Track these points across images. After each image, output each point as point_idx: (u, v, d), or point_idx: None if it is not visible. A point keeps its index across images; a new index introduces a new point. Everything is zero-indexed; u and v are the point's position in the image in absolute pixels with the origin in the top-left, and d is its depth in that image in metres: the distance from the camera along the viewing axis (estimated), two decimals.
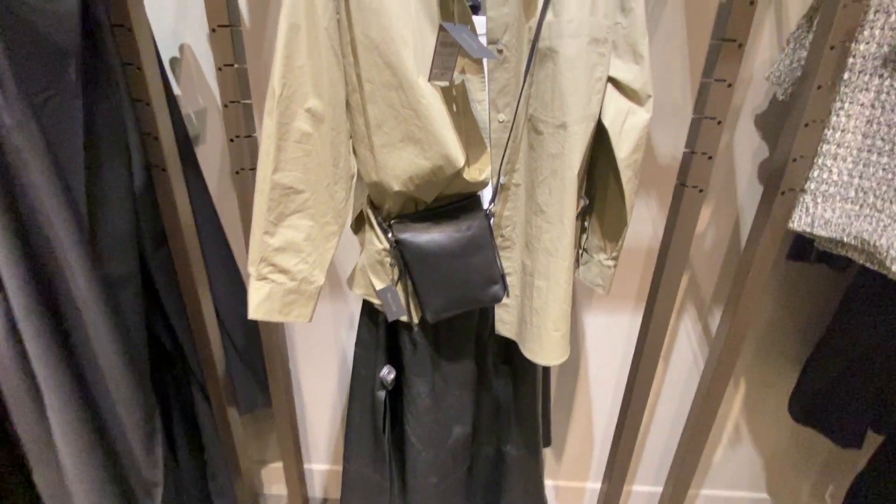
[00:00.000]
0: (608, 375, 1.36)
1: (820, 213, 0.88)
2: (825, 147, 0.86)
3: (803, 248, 1.06)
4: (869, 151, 0.84)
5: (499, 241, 0.81)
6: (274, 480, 1.54)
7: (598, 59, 0.69)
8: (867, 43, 0.80)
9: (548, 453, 1.48)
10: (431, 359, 0.87)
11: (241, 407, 1.24)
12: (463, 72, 0.66)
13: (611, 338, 1.30)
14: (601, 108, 0.73)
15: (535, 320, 0.82)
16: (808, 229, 0.89)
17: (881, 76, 0.81)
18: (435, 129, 0.66)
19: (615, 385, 1.36)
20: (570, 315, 0.82)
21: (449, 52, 0.63)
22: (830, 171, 0.87)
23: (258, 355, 1.17)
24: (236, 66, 0.87)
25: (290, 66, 0.66)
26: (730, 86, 0.84)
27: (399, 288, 0.81)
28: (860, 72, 0.82)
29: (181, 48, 1.07)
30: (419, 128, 0.66)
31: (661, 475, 1.43)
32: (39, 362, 0.71)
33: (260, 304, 0.76)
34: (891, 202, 0.82)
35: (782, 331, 1.25)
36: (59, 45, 0.71)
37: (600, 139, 0.77)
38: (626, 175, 0.76)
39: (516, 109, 0.71)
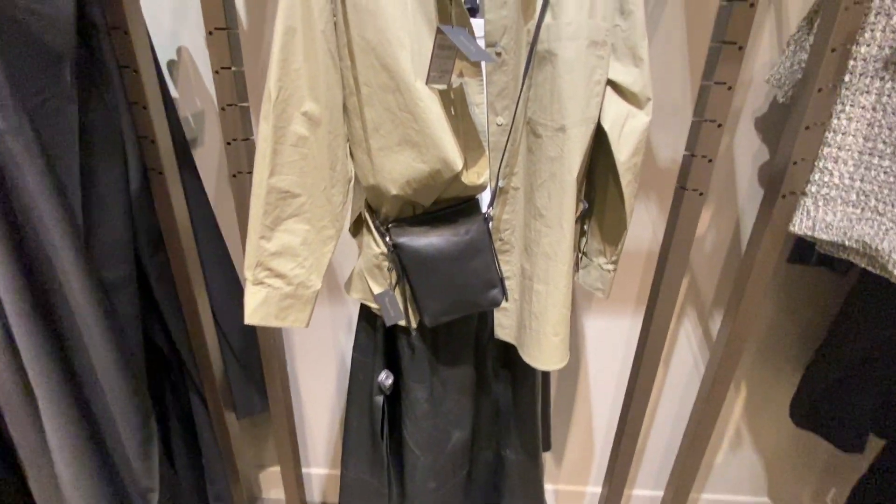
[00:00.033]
0: (608, 379, 1.35)
1: (821, 217, 0.87)
2: (826, 150, 0.86)
3: (804, 251, 1.06)
4: (870, 154, 0.83)
5: (497, 244, 0.80)
6: (272, 485, 1.53)
7: (597, 62, 0.69)
8: (868, 45, 0.80)
9: (548, 457, 1.47)
10: (430, 363, 0.87)
11: (239, 411, 1.24)
12: (461, 75, 0.66)
13: (611, 341, 1.30)
14: (600, 111, 0.73)
15: (534, 325, 0.81)
16: (810, 233, 0.89)
17: (882, 79, 0.80)
18: (432, 133, 0.65)
19: (615, 388, 1.36)
20: (569, 319, 0.81)
21: (447, 55, 0.62)
22: (831, 175, 0.86)
23: (256, 359, 1.16)
24: (233, 68, 0.86)
25: (286, 69, 0.65)
26: (730, 88, 0.84)
27: (397, 292, 0.80)
28: (861, 74, 0.82)
29: (179, 51, 1.07)
30: (416, 131, 0.66)
31: (661, 479, 1.43)
32: (33, 368, 0.71)
33: (256, 310, 0.75)
34: (893, 205, 0.81)
35: (783, 334, 1.25)
36: (53, 48, 0.70)
37: (600, 142, 0.76)
38: (625, 178, 0.76)
39: (515, 112, 0.71)
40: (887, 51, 0.79)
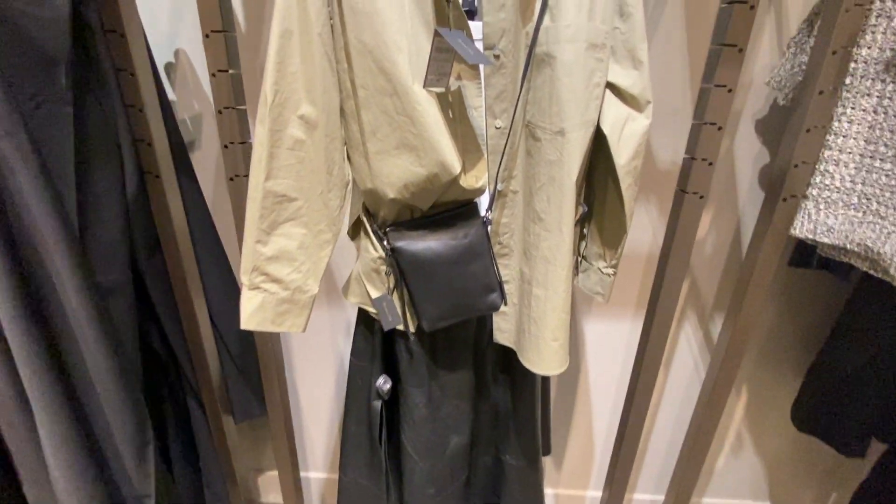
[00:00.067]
0: (608, 382, 1.34)
1: (822, 220, 0.87)
2: (827, 153, 0.85)
3: (805, 254, 1.05)
4: (872, 157, 0.82)
5: (496, 248, 0.80)
6: (271, 489, 1.52)
7: (596, 65, 0.68)
8: (869, 47, 0.79)
9: (548, 461, 1.47)
10: (428, 368, 0.86)
11: (237, 415, 1.23)
12: (459, 78, 0.65)
13: (611, 345, 1.29)
14: (600, 114, 0.72)
15: (533, 329, 0.81)
16: (811, 236, 0.88)
17: (884, 81, 0.80)
18: (430, 136, 0.65)
19: (615, 392, 1.35)
20: (568, 324, 0.80)
21: (444, 58, 0.62)
22: (833, 178, 0.85)
23: (254, 363, 1.16)
24: (230, 71, 0.86)
25: (282, 72, 0.65)
26: (730, 91, 0.83)
27: (395, 296, 0.79)
28: (862, 77, 0.81)
29: (176, 53, 1.07)
30: (414, 135, 0.65)
31: (662, 483, 1.42)
32: (27, 373, 0.70)
33: (252, 315, 0.75)
34: (895, 209, 0.81)
35: (784, 338, 1.24)
36: (48, 51, 0.70)
37: (599, 145, 0.76)
38: (625, 182, 0.75)
39: (513, 115, 0.70)
40: (888, 53, 0.78)
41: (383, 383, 0.87)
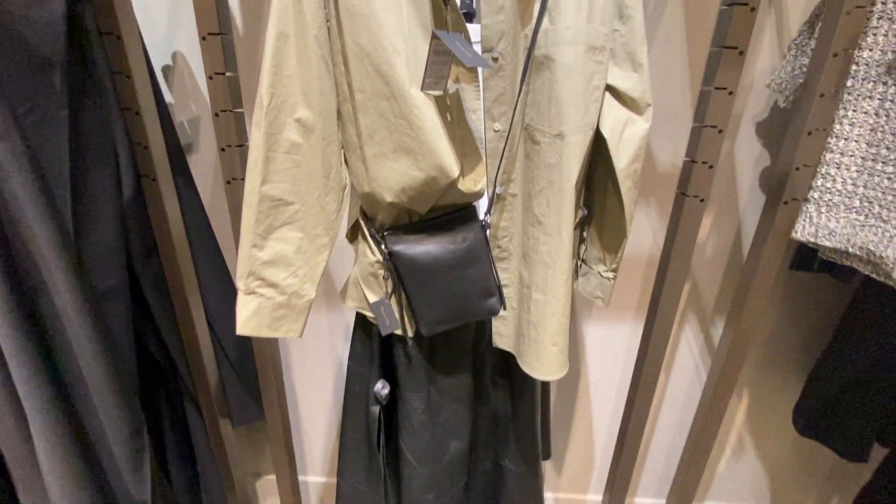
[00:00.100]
0: (609, 386, 1.34)
1: (824, 223, 0.86)
2: (828, 156, 0.85)
3: (806, 257, 1.04)
4: (873, 160, 0.82)
5: (495, 252, 0.79)
6: (269, 493, 1.51)
7: (595, 68, 0.68)
8: (871, 50, 0.79)
9: (548, 465, 1.46)
10: (426, 373, 0.85)
11: (235, 419, 1.22)
12: (457, 81, 0.65)
13: (611, 348, 1.29)
14: (599, 117, 0.71)
15: (532, 334, 0.80)
16: (812, 239, 0.87)
17: (885, 84, 0.79)
18: (428, 140, 0.64)
19: (616, 396, 1.34)
20: (568, 329, 0.80)
21: (442, 61, 0.61)
22: (834, 181, 0.85)
23: (252, 367, 1.15)
24: (227, 74, 0.85)
25: (278, 75, 0.64)
26: (731, 94, 0.83)
27: (393, 301, 0.79)
28: (864, 79, 0.80)
29: (174, 56, 1.06)
30: (412, 138, 0.65)
31: (663, 487, 1.41)
32: (21, 379, 0.69)
33: (248, 320, 0.74)
34: None
35: (785, 341, 1.23)
36: (43, 55, 0.69)
37: (599, 149, 0.75)
38: (625, 185, 0.75)
39: (512, 118, 0.70)
40: (890, 55, 0.78)
41: (381, 388, 0.87)
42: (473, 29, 0.66)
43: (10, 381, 0.70)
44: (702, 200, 0.91)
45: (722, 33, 0.81)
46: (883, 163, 0.81)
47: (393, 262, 0.73)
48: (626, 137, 0.73)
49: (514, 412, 0.97)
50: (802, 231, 0.88)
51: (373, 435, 0.90)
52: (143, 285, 0.97)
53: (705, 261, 1.17)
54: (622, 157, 0.73)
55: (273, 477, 1.38)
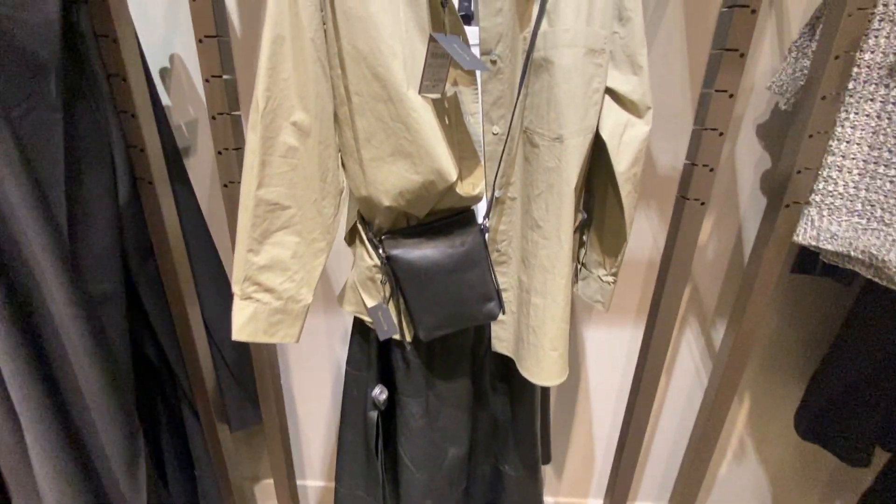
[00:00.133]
0: (609, 390, 1.33)
1: (826, 227, 0.85)
2: (830, 158, 0.84)
3: (808, 260, 1.04)
4: (875, 163, 0.81)
5: (494, 255, 0.78)
6: (268, 497, 1.50)
7: (594, 70, 0.67)
8: (872, 52, 0.78)
9: (548, 470, 1.45)
10: (425, 378, 0.85)
11: (233, 424, 1.21)
12: (455, 84, 0.64)
13: (611, 351, 1.28)
14: (599, 120, 0.71)
15: (531, 339, 0.79)
16: (814, 243, 0.87)
17: (887, 86, 0.78)
18: (426, 143, 0.63)
19: (616, 400, 1.33)
20: (568, 334, 0.79)
21: (440, 64, 0.61)
22: (836, 184, 0.84)
23: (250, 371, 1.14)
24: (224, 77, 0.85)
25: (274, 78, 0.63)
26: (731, 96, 0.82)
27: (391, 306, 0.78)
28: (865, 81, 0.80)
29: (171, 58, 1.06)
30: (409, 141, 0.64)
31: (663, 491, 1.40)
32: (14, 385, 0.69)
33: (244, 325, 0.73)
34: None
35: (787, 345, 1.22)
36: (38, 57, 0.69)
37: (598, 152, 0.75)
38: (625, 189, 0.74)
39: (511, 122, 0.69)
40: (892, 58, 0.77)
41: (379, 393, 0.86)
42: (471, 31, 0.65)
43: (3, 387, 0.69)
44: (702, 204, 0.90)
45: (722, 35, 0.80)
46: (885, 166, 0.80)
47: (391, 267, 0.73)
48: (626, 140, 0.72)
49: (513, 417, 0.96)
50: (804, 235, 0.87)
51: (371, 440, 0.89)
52: (139, 289, 0.96)
53: (706, 264, 1.16)
54: (622, 161, 0.72)
55: (271, 481, 1.37)
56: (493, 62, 0.67)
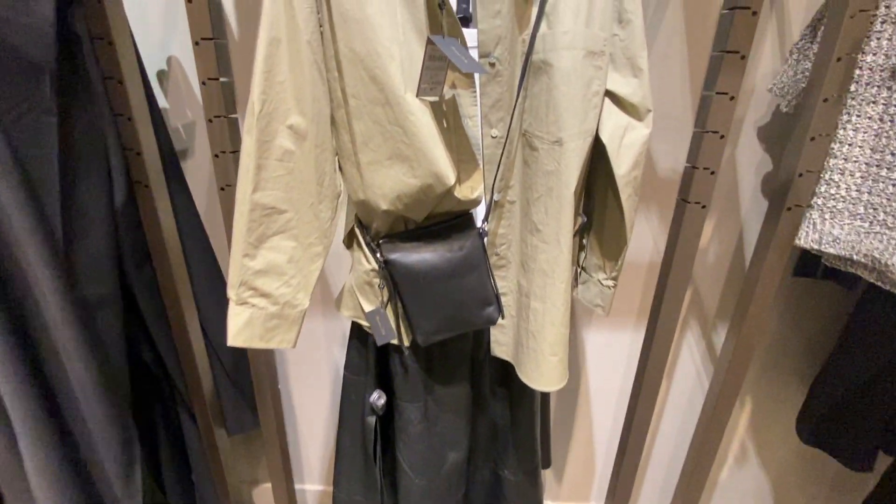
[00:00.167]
0: (610, 393, 1.32)
1: (828, 230, 0.85)
2: (832, 161, 0.83)
3: (810, 263, 1.03)
4: (878, 166, 0.80)
5: (493, 259, 0.78)
6: (265, 501, 1.50)
7: (594, 73, 0.66)
8: (874, 54, 0.77)
9: (548, 474, 1.44)
10: (423, 383, 0.84)
11: (231, 428, 1.21)
12: (453, 86, 0.63)
13: (612, 355, 1.27)
14: (599, 123, 0.70)
15: (531, 343, 0.78)
16: (816, 246, 0.86)
17: (889, 88, 0.78)
18: (424, 147, 0.63)
19: (617, 403, 1.33)
20: (567, 339, 0.78)
21: (438, 67, 0.60)
22: (838, 187, 0.83)
23: (248, 375, 1.13)
24: (221, 79, 0.84)
25: (270, 81, 0.63)
26: (732, 99, 0.81)
27: (389, 310, 0.77)
28: (867, 84, 0.79)
29: (169, 60, 1.05)
30: (407, 145, 0.63)
31: (665, 496, 1.39)
32: (8, 390, 0.68)
33: (240, 331, 0.72)
34: None
35: (788, 348, 1.22)
36: (32, 59, 0.68)
37: (598, 155, 0.74)
38: (625, 192, 0.73)
39: (510, 124, 0.68)
40: (894, 59, 0.76)
41: (377, 398, 0.85)
42: (470, 34, 0.64)
43: None
44: (703, 207, 0.90)
45: (723, 37, 0.80)
46: (888, 169, 0.79)
47: (388, 271, 0.72)
48: (626, 143, 0.72)
49: (513, 422, 0.96)
50: (806, 238, 0.87)
51: (369, 445, 0.88)
52: (136, 293, 0.95)
53: (707, 267, 1.15)
54: (622, 164, 0.72)
55: (269, 485, 1.37)
56: (492, 65, 0.66)
